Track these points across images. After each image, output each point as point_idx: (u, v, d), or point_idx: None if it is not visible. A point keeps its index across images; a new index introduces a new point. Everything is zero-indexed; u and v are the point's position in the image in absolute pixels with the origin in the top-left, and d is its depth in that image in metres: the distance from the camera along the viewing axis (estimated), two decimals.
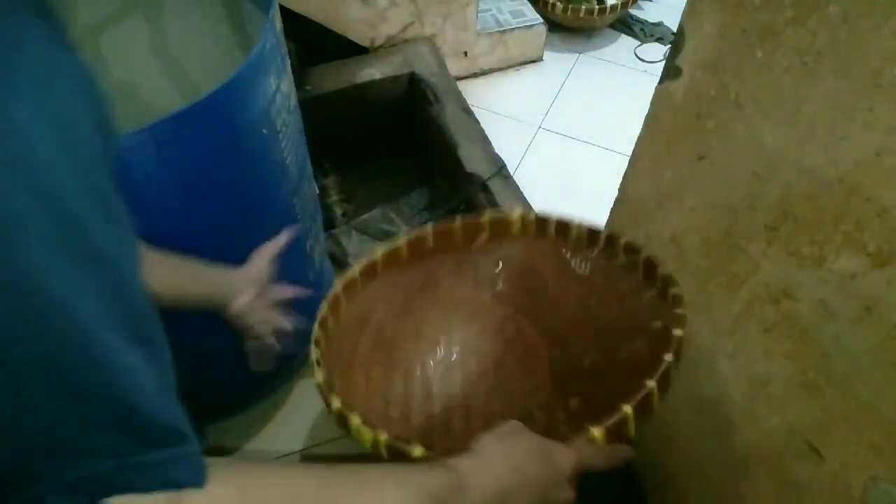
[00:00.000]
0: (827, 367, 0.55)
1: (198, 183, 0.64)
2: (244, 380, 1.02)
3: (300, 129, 0.86)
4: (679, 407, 0.81)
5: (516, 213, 0.72)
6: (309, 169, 0.93)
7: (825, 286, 0.53)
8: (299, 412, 1.17)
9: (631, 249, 0.64)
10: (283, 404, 1.18)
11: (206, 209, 0.67)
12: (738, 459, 0.72)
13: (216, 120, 0.62)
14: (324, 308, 0.60)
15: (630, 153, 0.76)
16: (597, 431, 0.48)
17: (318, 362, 0.54)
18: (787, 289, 0.58)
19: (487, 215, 0.72)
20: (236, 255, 0.78)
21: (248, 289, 0.69)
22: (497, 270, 0.78)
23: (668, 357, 0.50)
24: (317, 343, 0.56)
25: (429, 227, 0.70)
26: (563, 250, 0.72)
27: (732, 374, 0.69)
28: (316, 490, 0.37)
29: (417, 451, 0.46)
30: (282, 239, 0.75)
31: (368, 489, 0.39)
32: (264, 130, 0.70)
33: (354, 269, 0.65)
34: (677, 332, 0.53)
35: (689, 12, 0.60)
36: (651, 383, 0.49)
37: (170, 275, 0.60)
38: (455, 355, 0.78)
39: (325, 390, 0.52)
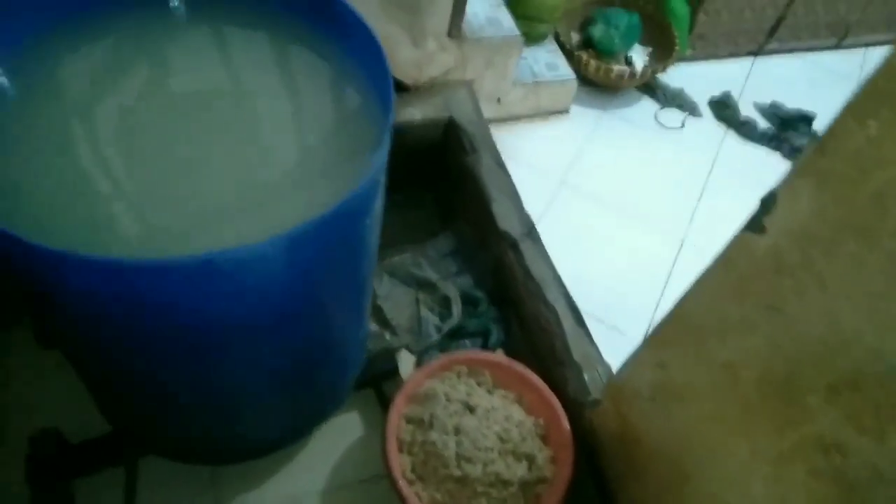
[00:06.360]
0: None
1: (317, 275, 0.68)
2: (280, 426, 1.04)
3: None
4: None
5: None
6: None
7: (883, 457, 0.59)
8: (323, 452, 1.20)
9: None
10: (308, 444, 1.21)
11: (321, 297, 0.71)
12: None
13: (342, 222, 0.65)
14: None
15: (647, 215, 0.79)
16: None
17: None
18: (842, 447, 0.64)
19: None
20: (341, 331, 0.82)
21: None
22: None
23: None
24: None
25: None
26: None
27: (765, 498, 0.75)
28: None
29: None
30: None
31: None
32: (367, 221, 0.74)
33: None
34: None
35: (786, 186, 0.65)
36: None
37: None
38: None
39: None
